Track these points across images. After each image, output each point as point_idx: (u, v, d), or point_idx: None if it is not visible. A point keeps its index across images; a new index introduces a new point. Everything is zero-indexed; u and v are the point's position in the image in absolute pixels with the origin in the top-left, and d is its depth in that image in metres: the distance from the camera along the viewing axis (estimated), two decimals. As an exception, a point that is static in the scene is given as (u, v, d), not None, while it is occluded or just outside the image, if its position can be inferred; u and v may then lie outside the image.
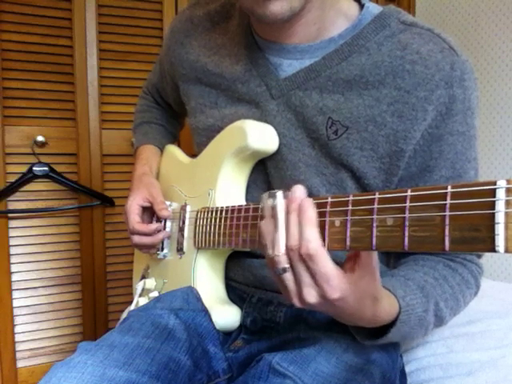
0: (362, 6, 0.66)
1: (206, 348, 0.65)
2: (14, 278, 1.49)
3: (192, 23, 0.78)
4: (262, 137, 0.67)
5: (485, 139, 1.71)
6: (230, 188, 0.71)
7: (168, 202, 0.83)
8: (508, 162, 1.56)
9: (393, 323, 0.54)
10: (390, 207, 0.40)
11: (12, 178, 1.46)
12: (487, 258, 1.70)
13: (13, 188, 1.46)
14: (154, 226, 0.80)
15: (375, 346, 0.63)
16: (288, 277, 0.47)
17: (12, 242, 1.48)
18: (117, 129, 1.57)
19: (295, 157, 0.66)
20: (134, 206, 0.81)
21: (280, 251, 0.46)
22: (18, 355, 1.50)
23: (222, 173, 0.71)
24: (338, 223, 0.44)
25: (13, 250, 1.48)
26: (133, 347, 0.57)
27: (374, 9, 0.65)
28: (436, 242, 0.36)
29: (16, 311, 1.49)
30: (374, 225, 0.41)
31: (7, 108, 1.46)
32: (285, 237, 0.46)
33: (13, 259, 1.48)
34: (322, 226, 0.46)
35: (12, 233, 1.48)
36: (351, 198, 0.44)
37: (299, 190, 0.47)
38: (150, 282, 0.84)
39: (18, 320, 1.50)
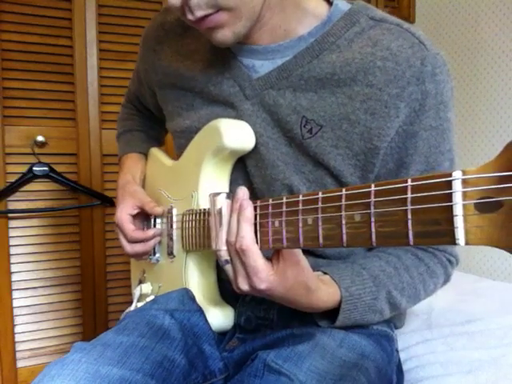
0: (330, 3, 0.66)
1: (202, 348, 0.65)
2: (14, 278, 1.49)
3: (163, 29, 0.78)
4: (238, 135, 0.66)
5: (485, 139, 1.71)
6: (212, 188, 0.70)
7: None
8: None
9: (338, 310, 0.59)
10: (357, 203, 0.39)
11: (12, 178, 1.46)
12: (487, 258, 1.70)
13: (13, 188, 1.46)
14: (151, 231, 0.79)
15: (368, 340, 0.64)
16: (228, 267, 0.54)
17: (12, 242, 1.48)
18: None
19: (273, 155, 0.66)
20: (124, 217, 0.80)
21: (222, 246, 0.54)
22: (18, 355, 1.50)
23: (203, 174, 0.70)
24: (310, 221, 0.45)
25: (13, 250, 1.48)
26: (127, 346, 0.57)
27: (343, 6, 0.65)
28: (401, 237, 0.35)
29: (16, 311, 1.49)
30: (343, 222, 0.41)
31: (7, 108, 1.46)
32: (225, 233, 0.53)
33: (13, 259, 1.48)
34: (295, 224, 0.46)
35: (12, 233, 1.48)
36: (320, 195, 0.44)
37: (241, 191, 0.52)
38: (146, 287, 0.84)
39: (18, 320, 1.50)
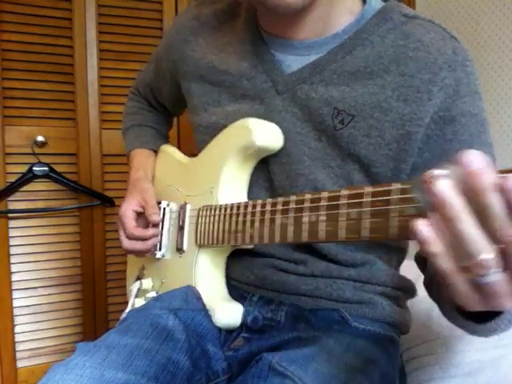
0: (364, 1, 0.67)
1: (206, 348, 0.65)
2: (14, 278, 1.49)
3: (198, 21, 0.78)
4: (268, 134, 0.67)
5: (485, 139, 1.71)
6: (232, 186, 0.71)
7: (165, 202, 0.83)
8: (509, 163, 1.56)
9: None
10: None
11: (12, 178, 1.46)
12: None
13: (13, 188, 1.46)
14: (151, 231, 0.79)
15: (375, 346, 0.63)
16: (501, 279, 0.33)
17: (12, 242, 1.48)
18: (117, 129, 1.55)
19: (300, 151, 0.66)
20: (128, 212, 0.80)
21: (490, 251, 0.32)
22: (18, 355, 1.50)
23: (225, 171, 0.70)
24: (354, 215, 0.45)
25: (13, 250, 1.48)
26: (131, 348, 0.57)
27: (377, 3, 0.66)
28: None
29: (16, 311, 1.49)
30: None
31: (7, 108, 1.46)
32: (481, 231, 0.33)
33: (13, 259, 1.48)
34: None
35: (12, 233, 1.48)
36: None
37: (474, 157, 0.32)
38: (147, 283, 0.83)
39: (18, 320, 1.50)
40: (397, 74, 0.61)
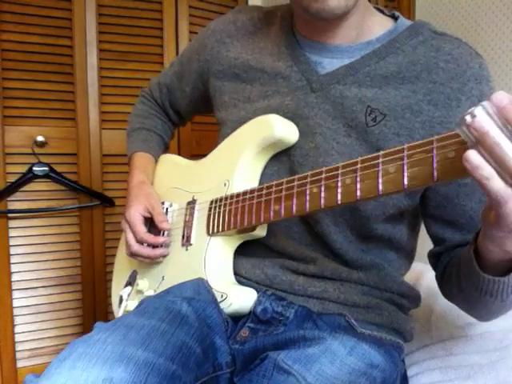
0: (395, 19, 0.73)
1: (213, 340, 0.66)
2: (14, 278, 1.49)
3: (235, 26, 0.82)
4: (286, 128, 0.70)
5: (485, 139, 1.70)
6: (246, 178, 0.73)
7: (168, 203, 0.84)
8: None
9: None
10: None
11: (12, 178, 1.46)
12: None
13: (13, 188, 1.46)
14: (163, 239, 0.80)
15: (379, 351, 0.64)
16: None
17: (12, 242, 1.48)
18: (117, 129, 1.57)
19: (329, 145, 0.68)
20: (137, 216, 0.81)
21: None
22: (18, 355, 1.50)
23: (241, 163, 0.73)
24: (392, 169, 0.50)
25: (13, 250, 1.49)
26: (149, 329, 0.58)
27: (407, 21, 0.72)
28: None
29: (16, 311, 1.50)
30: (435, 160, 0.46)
31: (7, 108, 1.46)
32: None
33: (13, 259, 1.48)
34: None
35: (12, 233, 1.48)
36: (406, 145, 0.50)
37: (504, 96, 0.39)
38: (143, 283, 0.84)
39: (18, 320, 1.50)
40: (428, 82, 0.66)
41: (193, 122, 1.58)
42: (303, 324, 0.69)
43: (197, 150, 1.69)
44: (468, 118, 0.40)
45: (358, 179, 0.53)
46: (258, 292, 0.73)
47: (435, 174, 0.46)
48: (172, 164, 0.91)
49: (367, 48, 0.70)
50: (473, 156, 0.40)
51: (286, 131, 0.70)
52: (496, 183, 0.40)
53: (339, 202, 0.55)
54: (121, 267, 0.95)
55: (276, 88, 0.74)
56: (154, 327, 0.59)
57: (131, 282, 0.87)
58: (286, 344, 0.64)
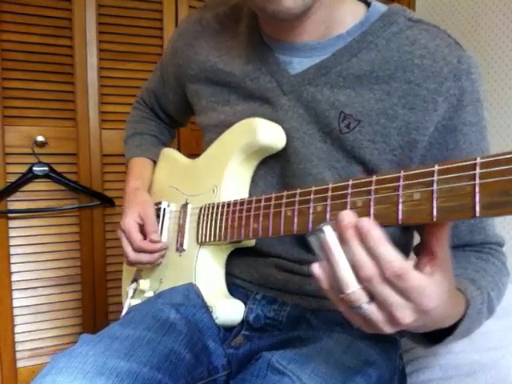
0: (368, 5, 0.68)
1: (206, 343, 0.66)
2: (14, 278, 1.49)
3: (201, 25, 0.79)
4: (271, 133, 0.68)
5: (485, 139, 1.70)
6: (235, 184, 0.72)
7: (166, 203, 0.83)
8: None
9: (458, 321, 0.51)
10: (417, 182, 0.41)
11: (12, 178, 1.46)
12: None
13: (13, 188, 1.46)
14: (159, 245, 0.79)
15: (374, 348, 0.64)
16: (370, 309, 0.42)
17: (12, 241, 1.48)
18: (117, 129, 1.57)
19: (308, 150, 0.67)
20: (133, 224, 0.80)
21: (355, 287, 0.41)
22: (18, 355, 1.50)
23: (229, 169, 0.71)
24: (360, 203, 0.46)
25: (13, 250, 1.48)
26: (134, 339, 0.57)
27: (380, 7, 0.67)
28: (466, 210, 0.38)
29: (16, 311, 1.49)
30: (400, 200, 0.42)
31: (7, 108, 1.46)
32: (351, 271, 0.41)
33: (13, 259, 1.48)
34: (343, 208, 0.47)
35: (12, 233, 1.48)
36: (374, 178, 0.45)
37: (347, 216, 0.42)
38: (144, 284, 0.84)
39: (18, 320, 1.50)
40: (403, 82, 0.62)
41: (192, 122, 1.57)
42: (297, 325, 0.68)
43: (197, 150, 1.67)
44: (318, 232, 0.43)
45: (328, 209, 0.49)
46: (248, 295, 0.72)
47: (400, 215, 0.42)
48: (173, 160, 0.91)
49: (338, 43, 0.66)
50: (315, 270, 0.44)
51: (271, 136, 0.67)
52: (331, 295, 0.44)
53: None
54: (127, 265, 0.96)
55: (249, 92, 0.72)
56: (140, 337, 0.58)
57: (137, 278, 0.88)
58: (282, 345, 0.64)
